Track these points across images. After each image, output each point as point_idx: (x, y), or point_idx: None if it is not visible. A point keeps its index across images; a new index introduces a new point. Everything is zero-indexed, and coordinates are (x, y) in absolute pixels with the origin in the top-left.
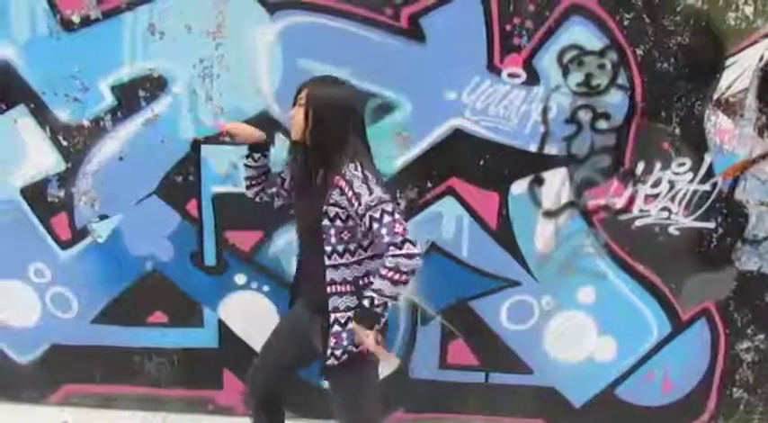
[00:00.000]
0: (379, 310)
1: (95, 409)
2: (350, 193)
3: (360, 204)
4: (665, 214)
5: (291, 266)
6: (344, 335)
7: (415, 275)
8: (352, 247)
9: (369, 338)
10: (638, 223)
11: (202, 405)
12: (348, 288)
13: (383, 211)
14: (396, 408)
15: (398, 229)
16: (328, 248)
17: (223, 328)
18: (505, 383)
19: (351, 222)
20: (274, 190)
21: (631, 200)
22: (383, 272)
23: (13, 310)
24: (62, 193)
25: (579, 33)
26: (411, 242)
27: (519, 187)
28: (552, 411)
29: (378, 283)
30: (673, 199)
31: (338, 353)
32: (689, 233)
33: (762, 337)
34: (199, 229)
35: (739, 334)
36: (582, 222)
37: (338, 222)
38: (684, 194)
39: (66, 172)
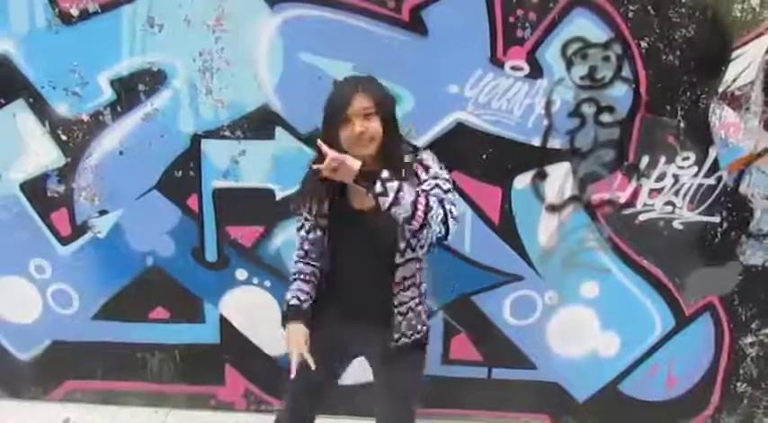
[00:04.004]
0: (383, 189)
1: (97, 405)
2: (423, 174)
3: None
4: (670, 208)
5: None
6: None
7: (429, 226)
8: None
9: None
10: (642, 217)
11: (205, 400)
12: (410, 282)
13: (449, 190)
14: None
15: (455, 211)
16: (402, 244)
17: (224, 324)
18: (508, 379)
19: None
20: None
21: (635, 194)
22: (422, 193)
23: (13, 306)
24: (62, 189)
25: (583, 25)
26: (455, 218)
27: (522, 181)
28: (555, 406)
29: (410, 191)
30: (677, 193)
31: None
32: (693, 227)
33: (766, 331)
34: (200, 225)
35: (743, 328)
36: (585, 217)
37: None
38: (689, 188)
39: (66, 167)
